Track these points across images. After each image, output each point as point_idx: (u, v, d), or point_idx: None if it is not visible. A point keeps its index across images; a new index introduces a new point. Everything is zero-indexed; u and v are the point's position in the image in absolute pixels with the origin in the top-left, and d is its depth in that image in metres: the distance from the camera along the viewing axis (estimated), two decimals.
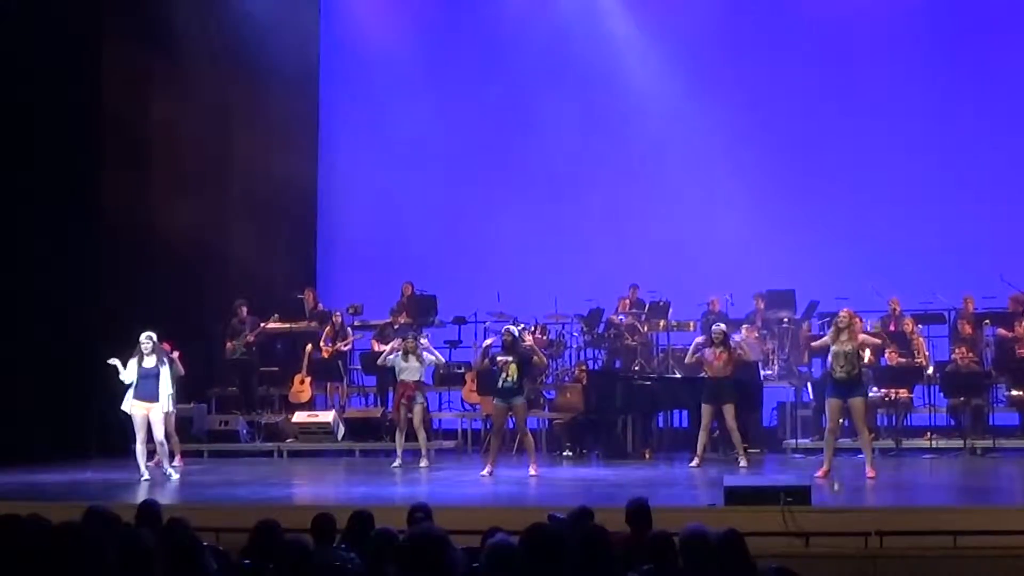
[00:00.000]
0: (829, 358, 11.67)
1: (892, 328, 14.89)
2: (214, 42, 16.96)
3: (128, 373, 12.44)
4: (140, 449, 12.50)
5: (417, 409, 13.57)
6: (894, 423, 14.58)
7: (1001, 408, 14.86)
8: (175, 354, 13.68)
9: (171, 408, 12.83)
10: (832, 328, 11.76)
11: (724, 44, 18.05)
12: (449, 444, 15.70)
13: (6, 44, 14.97)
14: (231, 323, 16.43)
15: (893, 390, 14.40)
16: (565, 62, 18.46)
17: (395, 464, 13.48)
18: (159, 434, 12.53)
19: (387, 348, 14.29)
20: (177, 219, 16.07)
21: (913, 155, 17.48)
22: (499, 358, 12.41)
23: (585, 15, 18.44)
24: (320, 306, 17.03)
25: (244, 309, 16.37)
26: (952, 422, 14.63)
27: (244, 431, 15.93)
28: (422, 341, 13.98)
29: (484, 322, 16.44)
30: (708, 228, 17.23)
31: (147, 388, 12.45)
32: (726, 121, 17.68)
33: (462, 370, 16.24)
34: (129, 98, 16.15)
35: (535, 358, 12.90)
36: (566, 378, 16.19)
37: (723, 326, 13.47)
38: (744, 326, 15.02)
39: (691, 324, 15.92)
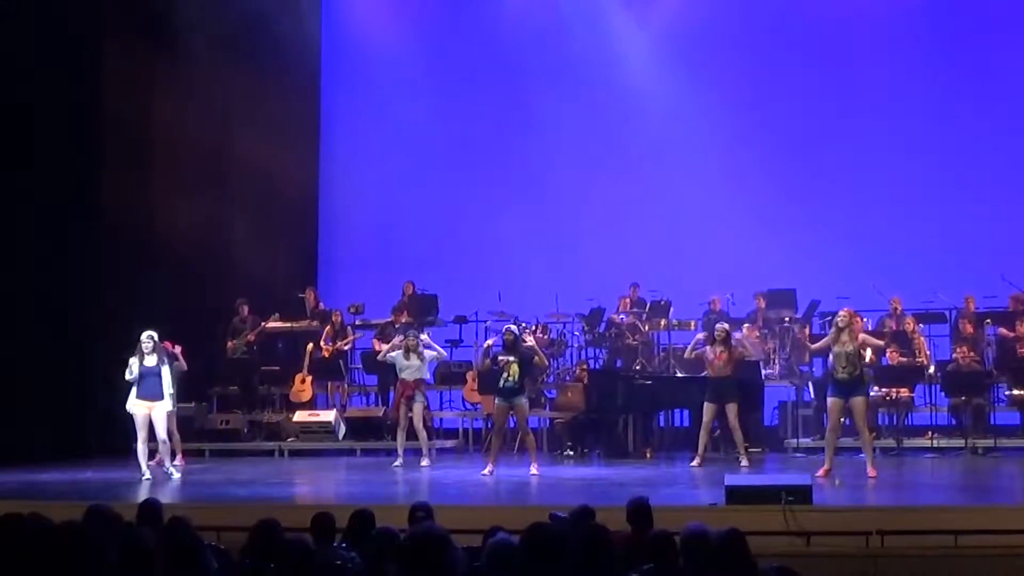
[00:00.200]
0: (830, 358, 11.67)
1: (893, 327, 14.89)
2: (215, 42, 16.94)
3: (130, 372, 12.45)
4: (141, 448, 12.51)
5: (417, 408, 13.56)
6: (895, 422, 14.58)
7: (1002, 407, 14.84)
8: (177, 349, 13.70)
9: (172, 407, 12.85)
10: (832, 328, 11.77)
11: (725, 43, 18.04)
12: (450, 443, 15.70)
13: (6, 44, 14.96)
14: (232, 322, 16.45)
15: (894, 389, 14.39)
16: (566, 62, 18.45)
17: (396, 463, 13.47)
18: (161, 433, 12.55)
19: (388, 347, 14.29)
20: (177, 219, 16.08)
21: (914, 154, 17.47)
22: (500, 358, 12.40)
23: (586, 15, 18.42)
24: (321, 305, 17.03)
25: (245, 308, 16.38)
26: (953, 421, 14.62)
27: (245, 430, 15.94)
28: (422, 337, 13.97)
29: (485, 321, 16.44)
30: (709, 227, 17.22)
31: (149, 387, 12.47)
32: (727, 120, 17.67)
33: (463, 369, 16.24)
34: (129, 98, 16.14)
35: (536, 358, 12.89)
36: (567, 377, 16.18)
37: (725, 325, 13.47)
38: (745, 325, 15.02)
39: (692, 323, 15.91)
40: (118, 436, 14.10)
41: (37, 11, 14.99)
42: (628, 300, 16.43)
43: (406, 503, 7.60)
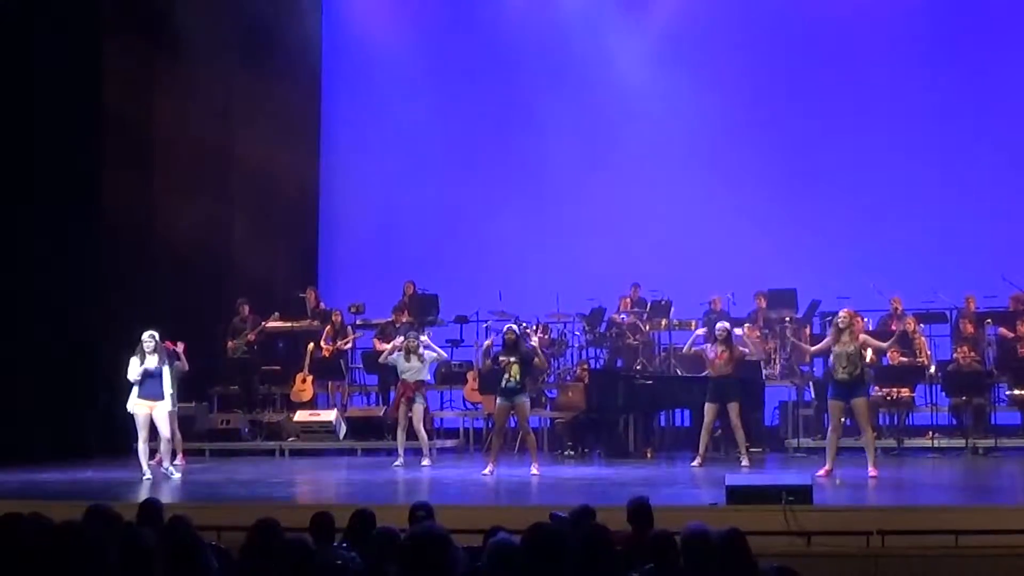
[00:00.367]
0: (831, 359, 11.66)
1: (893, 327, 14.88)
2: (215, 42, 16.94)
3: (132, 372, 12.46)
4: (142, 448, 12.51)
5: (417, 409, 13.56)
6: (896, 422, 14.58)
7: (1003, 407, 14.83)
8: (180, 347, 13.71)
9: (173, 407, 12.86)
10: (832, 329, 11.76)
11: (725, 44, 18.03)
12: (451, 443, 15.70)
13: (6, 44, 14.96)
14: (232, 322, 16.45)
15: (895, 389, 14.40)
16: (566, 62, 18.45)
17: (397, 463, 13.48)
18: (165, 432, 12.57)
19: (388, 347, 14.30)
20: (178, 219, 16.08)
21: (914, 154, 17.47)
22: (501, 358, 12.41)
23: (585, 16, 18.41)
24: (322, 305, 17.02)
25: (246, 308, 16.37)
26: (954, 421, 14.61)
27: (245, 430, 15.94)
28: (422, 338, 13.97)
29: (486, 321, 16.43)
30: (710, 227, 17.22)
31: (150, 387, 12.47)
32: (727, 120, 17.68)
33: (463, 369, 16.23)
34: (129, 98, 16.14)
35: (536, 360, 12.90)
36: (568, 377, 16.18)
37: (726, 324, 13.46)
38: (745, 325, 15.01)
39: (693, 323, 15.89)
40: (118, 436, 14.11)
41: (37, 11, 14.98)
42: (629, 300, 16.43)
43: (407, 503, 7.59)
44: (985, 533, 8.33)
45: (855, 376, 11.47)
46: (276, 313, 16.60)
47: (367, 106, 19.15)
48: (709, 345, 13.11)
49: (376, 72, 19.15)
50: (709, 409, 12.98)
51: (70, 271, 15.12)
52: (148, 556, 4.48)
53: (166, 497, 10.35)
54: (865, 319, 14.50)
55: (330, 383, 16.59)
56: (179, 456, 13.57)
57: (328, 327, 16.18)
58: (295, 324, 16.74)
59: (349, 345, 16.47)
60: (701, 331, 13.81)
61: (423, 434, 13.65)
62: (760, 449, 14.11)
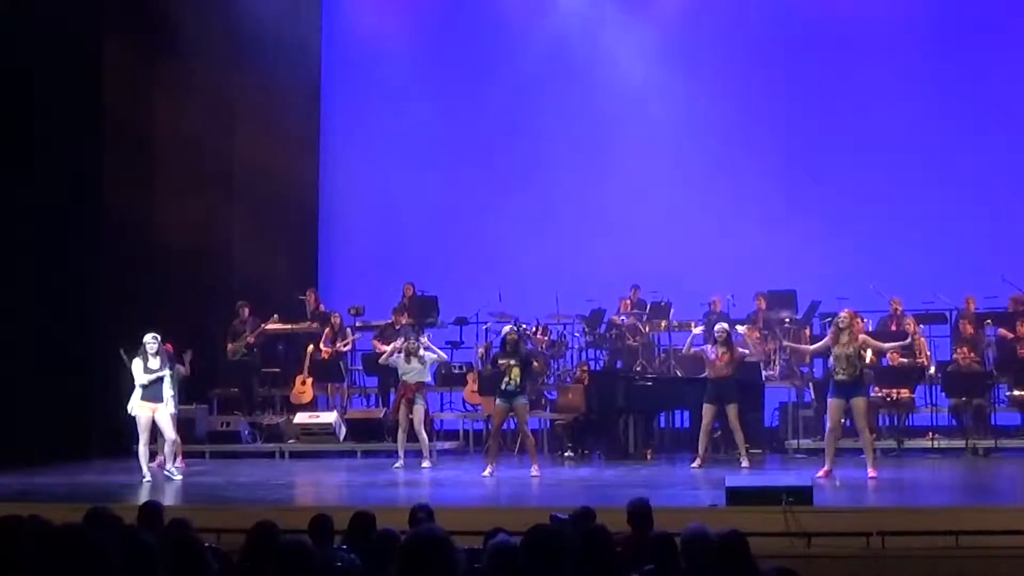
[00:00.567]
0: (831, 359, 11.67)
1: (893, 328, 14.88)
2: (215, 43, 16.93)
3: (137, 374, 12.48)
4: (143, 450, 12.53)
5: (417, 410, 13.57)
6: (896, 423, 14.58)
7: (1003, 408, 14.84)
8: (188, 354, 13.76)
9: (174, 409, 12.87)
10: (832, 329, 11.77)
11: (726, 44, 18.02)
12: (451, 445, 15.69)
13: (6, 44, 14.95)
14: (232, 324, 16.44)
15: (895, 390, 14.39)
16: (566, 62, 18.43)
17: (397, 464, 13.48)
18: (169, 434, 12.59)
19: (388, 349, 14.30)
20: (178, 219, 16.06)
21: (915, 155, 17.47)
22: (500, 360, 12.42)
23: (586, 17, 18.40)
24: (322, 307, 17.01)
25: (246, 310, 16.36)
26: (954, 422, 14.61)
27: (245, 432, 15.92)
28: (422, 340, 13.98)
29: (485, 323, 16.43)
30: (710, 228, 17.21)
31: (153, 389, 12.51)
32: (728, 121, 17.67)
33: (463, 371, 16.23)
34: (129, 98, 16.13)
35: (535, 363, 12.91)
36: (568, 379, 16.15)
37: (725, 325, 13.47)
38: (746, 326, 15.01)
39: (692, 325, 15.89)
40: (118, 438, 14.10)
41: (37, 11, 14.98)
42: (629, 301, 16.43)
43: (407, 505, 7.59)
44: (985, 534, 8.34)
45: (855, 377, 11.48)
46: (276, 315, 16.57)
47: (367, 107, 19.14)
48: (710, 346, 13.12)
49: (376, 72, 19.15)
50: (707, 410, 12.99)
51: (69, 272, 15.11)
52: (148, 559, 4.48)
53: (166, 499, 10.36)
54: (865, 320, 14.49)
55: (330, 385, 16.57)
56: (178, 459, 13.57)
57: (327, 329, 16.18)
58: (295, 326, 16.73)
59: (348, 347, 16.46)
60: (698, 330, 13.82)
61: (424, 436, 13.65)
62: (760, 450, 14.11)
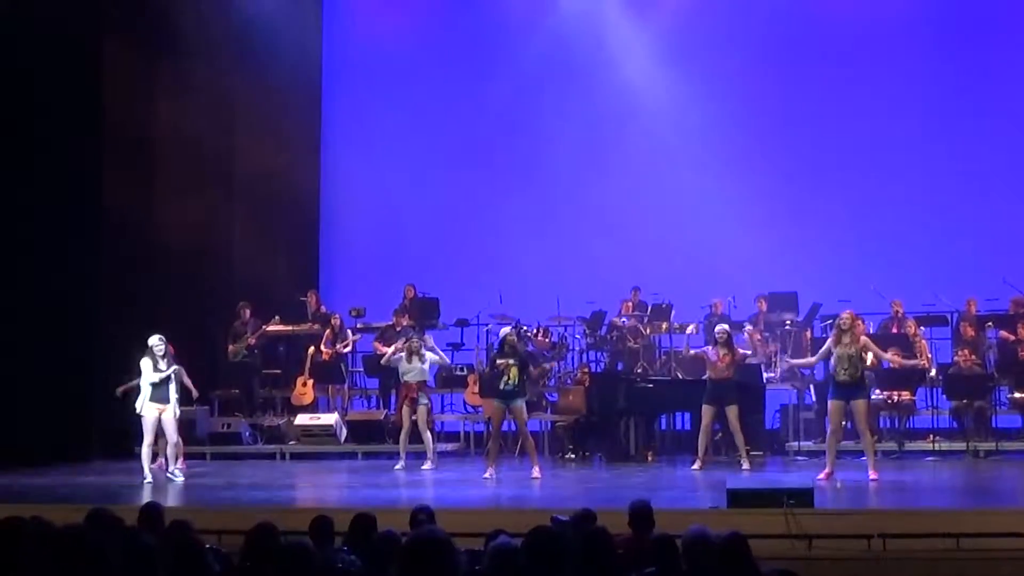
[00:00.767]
0: (832, 361, 11.66)
1: (895, 330, 14.87)
2: (215, 43, 16.93)
3: (148, 375, 12.49)
4: (146, 451, 12.55)
5: (421, 410, 13.56)
6: (897, 425, 14.57)
7: (1004, 410, 14.84)
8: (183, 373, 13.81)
9: (178, 410, 12.88)
10: (834, 330, 11.77)
11: (727, 45, 18.01)
12: (451, 447, 15.68)
13: (6, 44, 14.95)
14: (233, 325, 16.42)
15: (896, 392, 14.38)
16: (567, 63, 18.43)
17: (398, 466, 13.47)
18: (173, 435, 12.59)
19: (390, 350, 14.30)
20: (178, 220, 16.06)
21: (916, 157, 17.48)
22: (499, 361, 12.42)
23: (587, 16, 18.40)
24: (323, 308, 17.00)
25: (247, 311, 16.35)
26: (955, 424, 14.61)
27: (246, 433, 15.92)
28: (426, 340, 13.98)
29: (486, 324, 16.42)
30: (711, 230, 17.19)
31: (161, 390, 12.56)
32: (729, 122, 17.67)
33: (464, 372, 16.22)
34: (129, 98, 16.12)
35: (531, 368, 12.92)
36: (568, 380, 16.16)
37: (726, 326, 13.46)
38: (747, 327, 15.01)
39: (693, 326, 15.88)
40: (119, 439, 14.08)
41: (37, 11, 14.97)
42: (629, 303, 16.43)
43: (408, 506, 7.59)
44: (986, 536, 8.33)
45: (856, 378, 11.47)
46: (277, 316, 16.56)
47: (368, 108, 19.14)
48: (711, 348, 13.12)
49: (377, 73, 19.15)
50: (705, 410, 12.99)
51: (70, 272, 15.10)
52: (149, 560, 4.48)
53: (167, 501, 10.34)
54: (866, 322, 14.48)
55: (330, 386, 16.57)
56: (180, 460, 13.56)
57: (328, 331, 16.17)
58: (296, 327, 16.71)
59: (348, 348, 16.45)
60: (690, 329, 13.82)
61: (427, 436, 13.62)
62: (761, 452, 14.10)
